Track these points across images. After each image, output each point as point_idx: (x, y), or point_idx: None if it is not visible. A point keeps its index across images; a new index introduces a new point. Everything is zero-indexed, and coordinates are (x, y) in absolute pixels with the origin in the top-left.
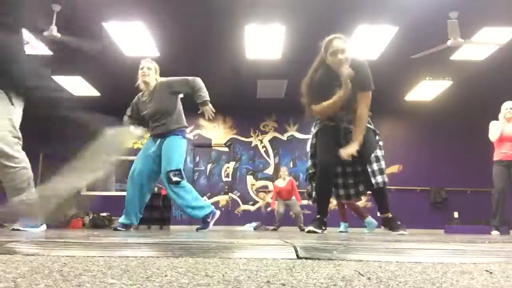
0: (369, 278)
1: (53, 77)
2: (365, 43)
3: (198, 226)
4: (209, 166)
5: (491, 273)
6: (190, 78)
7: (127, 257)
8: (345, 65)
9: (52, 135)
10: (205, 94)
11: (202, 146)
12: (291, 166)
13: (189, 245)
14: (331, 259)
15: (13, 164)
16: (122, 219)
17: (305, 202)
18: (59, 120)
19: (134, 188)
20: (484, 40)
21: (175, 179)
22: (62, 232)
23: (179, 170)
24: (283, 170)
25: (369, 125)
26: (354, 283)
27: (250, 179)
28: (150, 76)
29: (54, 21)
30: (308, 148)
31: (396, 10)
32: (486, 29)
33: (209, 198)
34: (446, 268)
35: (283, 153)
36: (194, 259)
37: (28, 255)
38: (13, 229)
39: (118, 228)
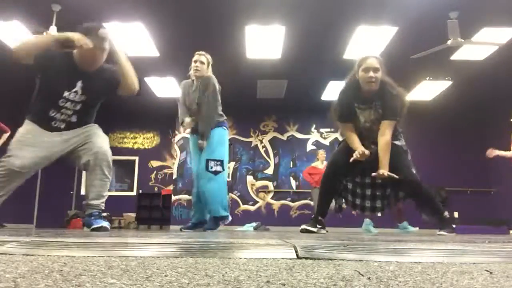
0: (369, 278)
1: None
2: (365, 43)
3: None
4: None
5: (491, 273)
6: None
7: (127, 257)
8: (374, 85)
9: None
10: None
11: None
12: (291, 166)
13: (189, 245)
14: (331, 259)
15: (109, 176)
16: (192, 220)
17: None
18: None
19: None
20: (484, 40)
21: (215, 168)
22: (62, 232)
23: (221, 160)
24: (321, 153)
25: (397, 142)
26: (354, 283)
27: (250, 179)
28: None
29: (54, 21)
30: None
31: (396, 10)
32: (486, 29)
33: None
34: (446, 268)
35: (283, 153)
36: (194, 259)
37: (28, 255)
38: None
39: (184, 230)
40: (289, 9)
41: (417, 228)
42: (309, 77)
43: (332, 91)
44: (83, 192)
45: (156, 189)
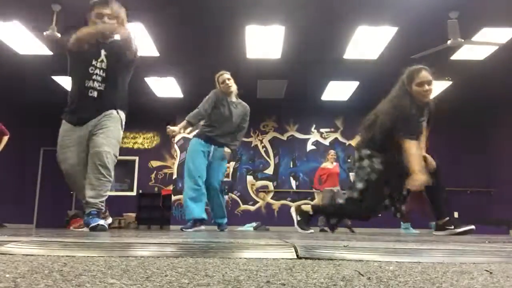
0: (369, 278)
1: (53, 77)
2: (365, 43)
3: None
4: None
5: (491, 273)
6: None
7: (127, 257)
8: (429, 97)
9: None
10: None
11: None
12: (291, 166)
13: (189, 245)
14: (331, 259)
15: (107, 176)
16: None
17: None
18: None
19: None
20: (484, 40)
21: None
22: (62, 232)
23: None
24: (332, 154)
25: None
26: (354, 283)
27: (250, 179)
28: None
29: (54, 21)
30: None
31: (396, 10)
32: (486, 29)
33: None
34: (446, 268)
35: (283, 153)
36: (194, 259)
37: (28, 255)
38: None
39: (184, 230)
40: (289, 9)
41: (418, 231)
42: (309, 77)
43: (332, 91)
44: None
45: (156, 189)
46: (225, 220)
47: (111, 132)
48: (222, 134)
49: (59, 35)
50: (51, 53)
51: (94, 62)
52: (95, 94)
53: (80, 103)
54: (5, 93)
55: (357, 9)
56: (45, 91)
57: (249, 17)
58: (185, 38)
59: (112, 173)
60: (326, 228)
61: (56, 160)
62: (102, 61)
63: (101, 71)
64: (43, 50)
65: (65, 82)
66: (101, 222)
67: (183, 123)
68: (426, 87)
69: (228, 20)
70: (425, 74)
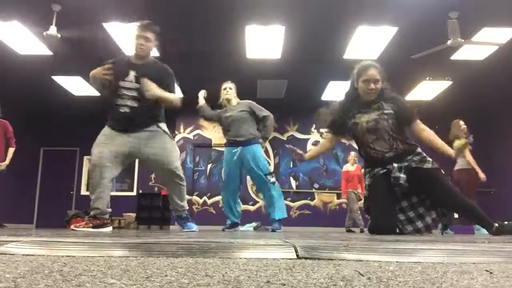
0: (369, 278)
1: (53, 77)
2: (365, 43)
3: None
4: (209, 166)
5: (491, 273)
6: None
7: (127, 257)
8: (374, 96)
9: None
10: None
11: (202, 146)
12: (291, 166)
13: (189, 245)
14: (331, 259)
15: (183, 183)
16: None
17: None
18: None
19: None
20: (484, 40)
21: (272, 180)
22: (62, 232)
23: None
24: (352, 155)
25: (426, 165)
26: (354, 283)
27: (250, 179)
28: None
29: (54, 21)
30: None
31: (396, 10)
32: (486, 29)
33: (209, 198)
34: (446, 268)
35: (283, 153)
36: (194, 259)
37: (28, 255)
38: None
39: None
40: (289, 9)
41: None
42: (309, 77)
43: (332, 91)
44: (83, 192)
45: (156, 189)
46: (275, 216)
47: (164, 144)
48: (237, 135)
49: (59, 35)
50: (51, 53)
51: (120, 83)
52: (126, 110)
53: (117, 118)
54: (5, 93)
55: (357, 9)
56: (45, 91)
57: (249, 17)
58: (185, 38)
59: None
60: (353, 229)
61: (56, 160)
62: (131, 81)
63: (129, 90)
64: (43, 50)
65: (65, 82)
66: (194, 228)
67: (205, 103)
68: (372, 85)
69: (228, 20)
70: (372, 73)
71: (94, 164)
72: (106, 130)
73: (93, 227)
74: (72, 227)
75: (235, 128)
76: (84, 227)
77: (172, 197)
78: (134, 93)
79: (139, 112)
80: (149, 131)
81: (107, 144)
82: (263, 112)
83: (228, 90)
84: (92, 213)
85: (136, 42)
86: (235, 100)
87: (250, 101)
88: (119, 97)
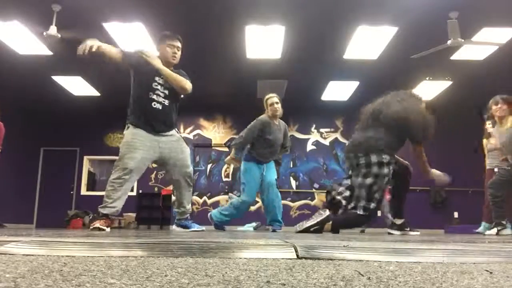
0: (369, 278)
1: (53, 77)
2: (365, 43)
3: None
4: (209, 166)
5: (491, 273)
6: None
7: (127, 257)
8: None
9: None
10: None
11: (202, 146)
12: (291, 166)
13: (189, 245)
14: (331, 259)
15: (191, 187)
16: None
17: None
18: None
19: None
20: (484, 40)
21: None
22: (62, 232)
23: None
24: None
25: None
26: (354, 283)
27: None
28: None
29: (54, 21)
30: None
31: (396, 10)
32: (486, 29)
33: (209, 198)
34: (446, 268)
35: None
36: (194, 259)
37: (28, 255)
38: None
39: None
40: (289, 9)
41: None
42: (309, 77)
43: (332, 91)
44: (83, 192)
45: (156, 189)
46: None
47: (183, 146)
48: (270, 156)
49: (59, 35)
50: (51, 53)
51: (156, 78)
52: (159, 106)
53: (147, 114)
54: (5, 93)
55: (357, 9)
56: (45, 91)
57: (249, 17)
58: (185, 38)
59: None
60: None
61: (56, 159)
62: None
63: (163, 88)
64: (43, 50)
65: (65, 82)
66: (196, 228)
67: (232, 153)
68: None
69: (228, 20)
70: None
71: (128, 168)
72: (136, 131)
73: (107, 227)
74: (98, 225)
75: (272, 150)
76: (103, 225)
77: (182, 201)
78: (166, 92)
79: (167, 112)
80: (173, 135)
81: (141, 150)
82: (289, 141)
83: (279, 106)
84: (106, 211)
85: (170, 51)
86: (278, 118)
87: (284, 124)
88: (152, 91)
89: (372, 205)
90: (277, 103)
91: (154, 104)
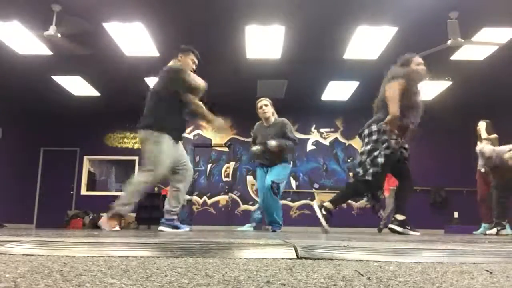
0: (369, 278)
1: (53, 77)
2: (365, 43)
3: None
4: (209, 166)
5: (491, 273)
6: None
7: (127, 257)
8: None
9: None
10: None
11: (202, 146)
12: (291, 166)
13: (189, 245)
14: (331, 259)
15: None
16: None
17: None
18: None
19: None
20: (484, 40)
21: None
22: (62, 232)
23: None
24: None
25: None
26: (354, 283)
27: (250, 179)
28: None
29: (54, 21)
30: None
31: (396, 10)
32: (486, 29)
33: (209, 198)
34: (446, 268)
35: None
36: (194, 259)
37: (28, 255)
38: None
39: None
40: (289, 9)
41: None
42: (309, 77)
43: (332, 91)
44: (83, 192)
45: (156, 189)
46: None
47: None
48: (265, 158)
49: (59, 35)
50: (51, 53)
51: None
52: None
53: (182, 125)
54: (5, 93)
55: (357, 9)
56: (45, 91)
57: (249, 17)
58: (185, 38)
59: None
60: (381, 225)
61: (56, 159)
62: None
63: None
64: (43, 50)
65: (65, 82)
66: (186, 228)
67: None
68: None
69: (228, 20)
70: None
71: (163, 174)
72: (170, 140)
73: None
74: (117, 228)
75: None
76: (118, 225)
77: (179, 199)
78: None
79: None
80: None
81: (170, 157)
82: (290, 134)
83: (267, 109)
84: (123, 212)
85: (191, 64)
86: (273, 119)
87: (283, 121)
88: (185, 108)
89: (375, 169)
90: (265, 105)
91: (184, 117)
